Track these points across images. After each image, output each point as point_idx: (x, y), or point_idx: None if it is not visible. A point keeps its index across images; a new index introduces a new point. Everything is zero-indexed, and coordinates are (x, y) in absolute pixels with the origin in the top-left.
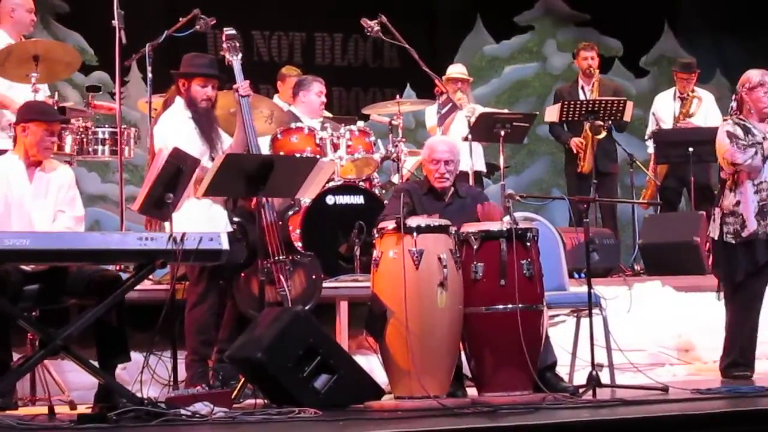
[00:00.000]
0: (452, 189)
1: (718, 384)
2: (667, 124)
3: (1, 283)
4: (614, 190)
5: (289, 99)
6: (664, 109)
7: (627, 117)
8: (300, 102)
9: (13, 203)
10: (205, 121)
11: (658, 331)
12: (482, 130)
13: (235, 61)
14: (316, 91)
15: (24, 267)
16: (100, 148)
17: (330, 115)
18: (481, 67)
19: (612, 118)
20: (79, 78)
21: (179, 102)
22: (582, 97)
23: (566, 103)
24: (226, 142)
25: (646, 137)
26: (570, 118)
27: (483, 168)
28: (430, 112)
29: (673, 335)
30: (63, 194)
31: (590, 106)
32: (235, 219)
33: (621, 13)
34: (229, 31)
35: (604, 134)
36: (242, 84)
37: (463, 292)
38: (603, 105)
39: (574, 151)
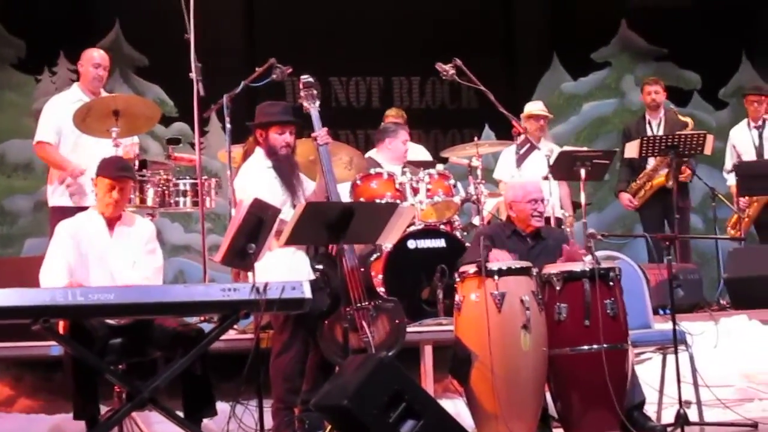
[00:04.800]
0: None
1: None
2: (748, 154)
3: (88, 337)
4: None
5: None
6: (742, 140)
7: (707, 150)
8: (386, 148)
9: (94, 258)
10: (287, 168)
11: (746, 365)
12: (563, 168)
13: (313, 108)
14: (402, 138)
15: (109, 321)
16: (181, 199)
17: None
18: (559, 104)
19: (693, 152)
20: (159, 129)
21: (259, 152)
22: (649, 131)
23: (646, 138)
24: (309, 188)
25: (727, 170)
26: (650, 154)
27: (559, 214)
28: (505, 156)
29: (761, 369)
30: (143, 246)
31: (670, 140)
32: (318, 266)
33: (698, 46)
34: (306, 78)
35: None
36: (320, 132)
37: (547, 333)
38: (683, 139)
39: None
